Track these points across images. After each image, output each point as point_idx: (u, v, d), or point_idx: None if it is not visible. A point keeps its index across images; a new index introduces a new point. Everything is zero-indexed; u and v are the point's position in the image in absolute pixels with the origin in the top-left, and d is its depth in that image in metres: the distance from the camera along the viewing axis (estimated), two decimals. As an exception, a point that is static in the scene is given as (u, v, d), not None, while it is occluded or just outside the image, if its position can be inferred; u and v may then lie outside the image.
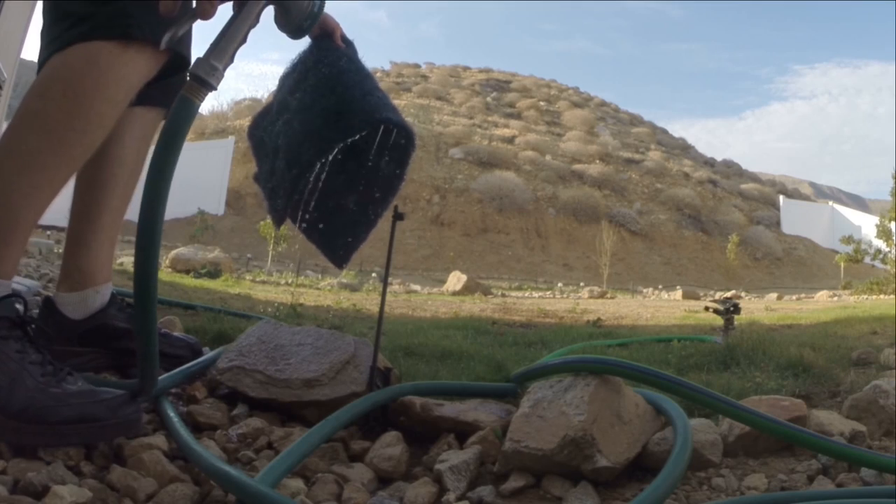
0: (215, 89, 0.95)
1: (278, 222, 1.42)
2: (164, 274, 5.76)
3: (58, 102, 1.06)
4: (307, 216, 1.35)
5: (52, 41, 1.11)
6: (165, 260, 7.00)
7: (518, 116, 25.81)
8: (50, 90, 1.07)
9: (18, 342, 0.99)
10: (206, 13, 0.97)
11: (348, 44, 1.45)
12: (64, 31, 1.09)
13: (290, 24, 1.23)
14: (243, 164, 15.07)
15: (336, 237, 1.45)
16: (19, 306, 1.04)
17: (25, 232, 1.08)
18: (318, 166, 1.27)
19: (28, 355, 0.98)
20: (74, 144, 1.09)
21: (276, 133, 1.35)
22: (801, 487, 1.07)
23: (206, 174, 14.48)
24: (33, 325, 1.07)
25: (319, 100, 1.29)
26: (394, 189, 1.42)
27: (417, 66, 32.81)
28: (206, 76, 0.93)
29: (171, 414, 1.11)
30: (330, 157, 1.27)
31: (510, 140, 21.54)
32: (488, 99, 27.67)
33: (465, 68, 33.42)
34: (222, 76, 0.95)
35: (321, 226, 1.39)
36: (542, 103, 28.04)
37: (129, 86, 1.12)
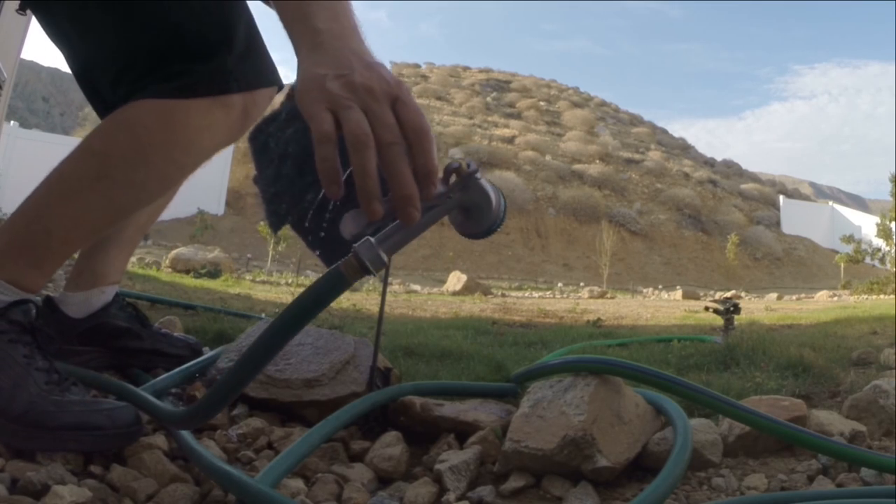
0: (373, 275, 0.85)
1: (276, 227, 1.41)
2: (164, 274, 5.76)
3: (123, 151, 1.00)
4: (311, 223, 1.34)
5: (133, 85, 1.02)
6: (165, 260, 7.00)
7: (518, 116, 25.81)
8: (118, 136, 1.01)
9: (27, 347, 0.99)
10: (411, 220, 0.69)
11: None
12: (150, 80, 1.00)
13: (477, 229, 1.17)
14: (243, 164, 15.07)
15: (336, 246, 1.45)
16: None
17: (57, 259, 1.04)
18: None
19: (35, 361, 0.98)
20: (127, 197, 1.04)
21: (286, 140, 1.34)
22: (801, 487, 1.07)
23: (206, 174, 14.34)
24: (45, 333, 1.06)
25: None
26: None
27: (417, 66, 32.81)
28: (371, 264, 0.78)
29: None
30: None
31: (510, 140, 21.54)
32: (488, 99, 27.68)
33: (465, 68, 33.43)
34: (381, 267, 0.83)
35: (322, 234, 1.39)
36: (542, 103, 28.04)
37: (207, 150, 1.06)
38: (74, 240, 1.05)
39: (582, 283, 12.50)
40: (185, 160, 1.05)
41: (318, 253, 1.43)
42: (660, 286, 12.88)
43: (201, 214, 13.33)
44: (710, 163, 27.29)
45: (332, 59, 0.67)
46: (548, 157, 20.25)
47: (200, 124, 1.01)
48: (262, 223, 9.68)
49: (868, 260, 11.07)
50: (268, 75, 1.06)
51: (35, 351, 1.00)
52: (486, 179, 0.82)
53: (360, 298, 5.08)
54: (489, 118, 24.64)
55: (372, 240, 0.78)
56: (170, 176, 1.07)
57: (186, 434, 1.03)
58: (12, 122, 14.32)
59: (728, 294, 8.57)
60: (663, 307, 5.99)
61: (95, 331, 1.33)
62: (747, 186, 23.72)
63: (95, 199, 1.01)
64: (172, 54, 1.00)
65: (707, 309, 2.66)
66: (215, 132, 1.04)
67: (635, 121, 30.84)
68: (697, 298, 8.31)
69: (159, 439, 1.05)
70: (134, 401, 1.08)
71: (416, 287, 8.77)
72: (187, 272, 6.48)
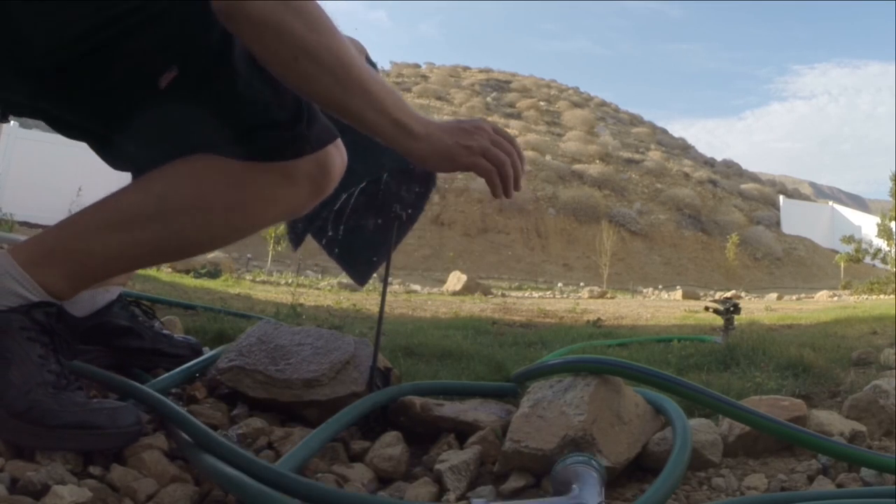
0: None
1: (296, 244, 1.43)
2: (164, 274, 5.76)
3: (183, 201, 0.99)
4: (328, 235, 1.35)
5: (201, 139, 0.99)
6: (165, 260, 6.98)
7: (518, 116, 25.81)
8: (183, 185, 0.99)
9: (44, 348, 0.99)
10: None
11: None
12: (221, 139, 0.97)
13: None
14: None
15: (356, 255, 1.46)
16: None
17: (92, 278, 1.06)
18: (344, 197, 1.27)
19: (48, 363, 0.98)
20: (173, 244, 1.05)
21: None
22: (801, 487, 1.07)
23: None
24: (64, 340, 1.06)
25: (349, 130, 1.28)
26: (412, 217, 1.41)
27: (417, 66, 32.81)
28: None
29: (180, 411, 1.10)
30: (356, 190, 1.28)
31: (510, 140, 21.50)
32: (488, 99, 27.68)
33: (465, 68, 33.43)
34: None
35: (341, 245, 1.40)
36: (542, 103, 28.04)
37: (267, 219, 1.06)
38: (113, 267, 1.06)
39: (582, 283, 12.50)
40: (243, 224, 1.05)
41: (336, 259, 1.44)
42: (660, 286, 12.89)
43: (201, 214, 13.32)
44: (710, 163, 27.29)
45: (447, 131, 0.98)
46: (548, 157, 20.25)
47: (267, 193, 1.01)
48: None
49: (868, 260, 11.07)
50: (331, 130, 1.06)
51: (50, 353, 1.00)
52: None
53: (359, 298, 5.09)
54: (489, 118, 24.63)
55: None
56: (221, 237, 1.08)
57: (186, 434, 1.03)
58: (12, 121, 14.32)
59: (728, 294, 8.58)
60: (663, 307, 5.99)
61: (98, 329, 1.33)
62: (747, 186, 23.72)
63: (144, 237, 1.01)
64: (257, 126, 0.99)
65: (707, 309, 2.66)
66: (280, 202, 1.04)
67: (635, 121, 30.84)
68: (697, 298, 8.32)
69: (159, 439, 1.05)
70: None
71: (416, 287, 8.77)
72: (187, 272, 6.48)
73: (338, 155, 1.06)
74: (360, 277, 1.51)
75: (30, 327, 0.98)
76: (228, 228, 1.06)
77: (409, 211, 1.39)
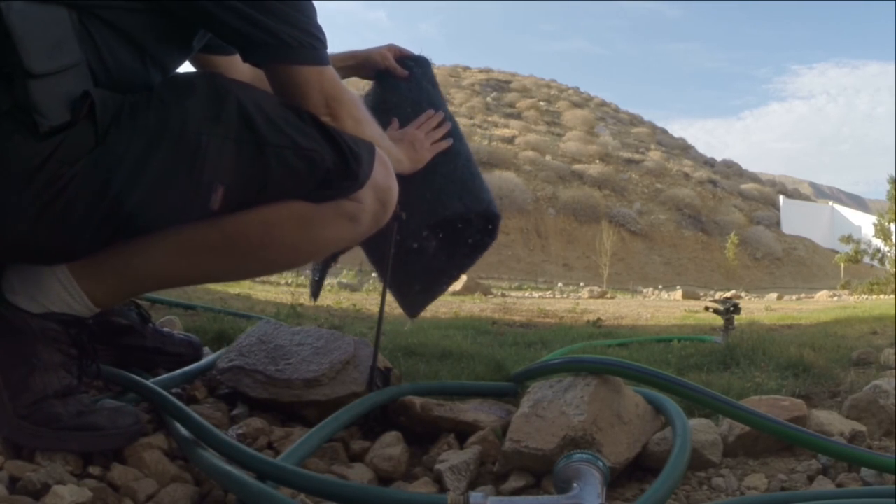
0: None
1: (315, 295, 1.52)
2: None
3: (251, 241, 1.02)
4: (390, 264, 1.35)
5: (267, 189, 1.01)
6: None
7: (518, 116, 25.83)
8: (253, 225, 1.01)
9: (69, 359, 0.99)
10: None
11: (421, 65, 1.44)
12: (280, 180, 1.00)
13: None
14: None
15: (410, 288, 1.45)
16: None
17: (137, 292, 1.15)
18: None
19: (68, 377, 0.99)
20: (225, 273, 1.11)
21: None
22: (801, 487, 1.07)
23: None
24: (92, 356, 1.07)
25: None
26: (474, 255, 1.42)
27: (417, 66, 32.74)
28: None
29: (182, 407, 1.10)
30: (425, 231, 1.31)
31: (510, 140, 21.55)
32: (488, 99, 27.69)
33: (465, 68, 33.43)
34: None
35: (395, 276, 1.38)
36: (542, 103, 28.05)
37: (320, 255, 1.14)
38: (158, 286, 1.09)
39: (582, 283, 12.50)
40: (302, 261, 1.12)
41: (391, 290, 1.44)
42: (660, 286, 12.89)
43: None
44: (710, 163, 27.31)
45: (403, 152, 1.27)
46: (548, 157, 20.26)
47: (332, 232, 1.07)
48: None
49: (867, 260, 11.07)
50: (366, 144, 1.09)
51: (73, 366, 1.00)
52: None
53: (360, 298, 5.09)
54: (489, 118, 24.66)
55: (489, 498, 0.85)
56: (276, 270, 1.15)
57: (187, 434, 1.03)
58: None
59: (728, 294, 8.58)
60: (663, 307, 5.99)
61: (100, 327, 1.33)
62: (747, 186, 23.74)
63: (202, 265, 1.04)
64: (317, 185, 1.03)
65: (707, 309, 2.66)
66: (342, 239, 1.10)
67: (635, 121, 30.85)
68: (697, 298, 8.31)
69: (159, 439, 1.05)
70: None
71: (416, 287, 8.75)
72: (187, 272, 6.46)
73: (389, 178, 1.11)
74: (412, 309, 1.53)
75: (60, 338, 0.98)
76: (287, 264, 1.13)
77: (476, 243, 1.41)
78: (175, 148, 0.91)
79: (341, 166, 1.01)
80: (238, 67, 1.26)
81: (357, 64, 1.44)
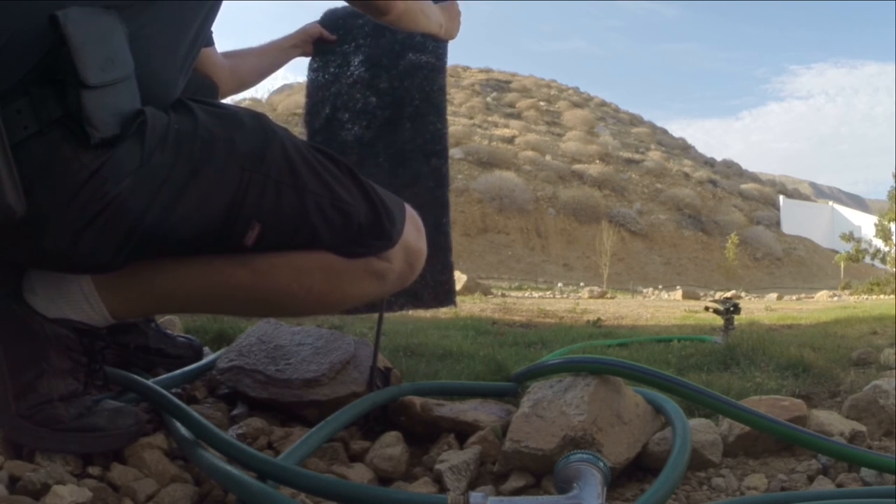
0: None
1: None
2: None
3: (280, 287, 1.02)
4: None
5: (296, 239, 1.02)
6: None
7: (518, 116, 25.81)
8: (283, 271, 1.02)
9: (76, 366, 0.99)
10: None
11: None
12: (306, 235, 1.01)
13: None
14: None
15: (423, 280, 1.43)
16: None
17: (154, 312, 1.18)
18: None
19: (74, 383, 0.98)
20: (245, 309, 1.11)
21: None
22: (801, 487, 1.07)
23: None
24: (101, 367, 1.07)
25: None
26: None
27: (417, 66, 32.72)
28: None
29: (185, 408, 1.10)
30: None
31: (510, 140, 21.54)
32: (488, 99, 27.67)
33: (465, 68, 33.40)
34: None
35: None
36: (542, 103, 28.04)
37: (339, 309, 1.14)
38: (179, 310, 1.13)
39: (582, 283, 12.50)
40: (319, 312, 1.17)
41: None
42: (660, 286, 12.88)
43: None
44: (710, 163, 27.31)
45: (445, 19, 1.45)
46: (548, 157, 20.25)
47: (358, 289, 1.08)
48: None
49: (868, 260, 11.07)
50: (399, 203, 1.11)
51: (81, 374, 1.00)
52: None
53: (360, 298, 5.08)
54: (489, 118, 24.65)
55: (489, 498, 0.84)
56: (292, 314, 1.18)
57: (187, 434, 1.03)
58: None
59: (728, 294, 8.57)
60: (663, 307, 5.98)
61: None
62: (747, 186, 23.74)
63: (225, 297, 1.04)
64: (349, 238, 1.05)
65: (707, 309, 2.66)
66: (367, 294, 1.11)
67: (635, 121, 30.85)
68: (697, 298, 8.31)
69: (159, 439, 1.05)
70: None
71: (416, 287, 8.74)
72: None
73: (420, 240, 1.12)
74: (446, 297, 1.49)
75: (74, 347, 0.98)
76: (308, 312, 1.14)
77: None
78: (218, 180, 0.91)
79: (374, 223, 1.03)
80: (214, 58, 1.28)
81: (296, 43, 1.55)
